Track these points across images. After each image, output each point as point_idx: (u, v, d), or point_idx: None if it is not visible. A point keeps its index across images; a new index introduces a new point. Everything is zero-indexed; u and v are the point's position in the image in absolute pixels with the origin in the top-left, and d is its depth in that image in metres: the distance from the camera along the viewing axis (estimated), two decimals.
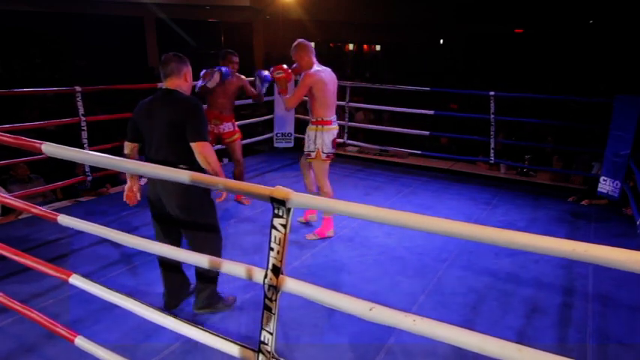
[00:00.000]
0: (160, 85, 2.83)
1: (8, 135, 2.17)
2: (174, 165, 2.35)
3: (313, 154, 3.77)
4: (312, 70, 3.63)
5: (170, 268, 2.77)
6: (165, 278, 2.80)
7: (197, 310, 2.78)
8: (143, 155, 2.73)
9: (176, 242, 2.70)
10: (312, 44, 3.81)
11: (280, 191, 1.47)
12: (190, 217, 2.60)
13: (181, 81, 2.61)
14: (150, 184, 2.69)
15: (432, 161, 6.71)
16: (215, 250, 2.65)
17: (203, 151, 2.47)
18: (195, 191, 2.50)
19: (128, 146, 2.72)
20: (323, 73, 3.66)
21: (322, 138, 3.72)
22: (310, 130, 3.79)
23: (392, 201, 5.04)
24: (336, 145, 3.84)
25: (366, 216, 1.40)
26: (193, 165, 2.50)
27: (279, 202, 1.47)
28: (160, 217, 2.69)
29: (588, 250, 1.11)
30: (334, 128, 3.78)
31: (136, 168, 2.12)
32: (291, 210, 1.47)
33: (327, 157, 3.77)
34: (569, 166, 6.18)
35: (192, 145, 2.48)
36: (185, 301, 2.88)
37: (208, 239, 2.68)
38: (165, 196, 2.59)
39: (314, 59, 3.68)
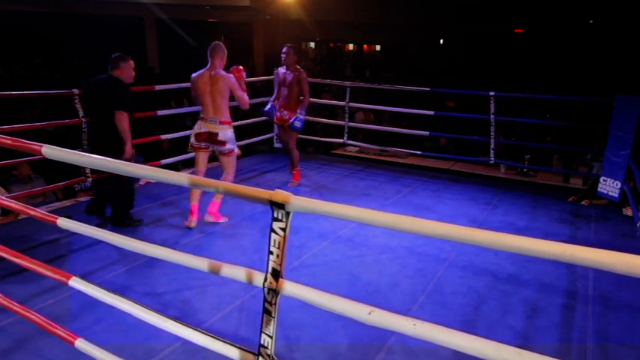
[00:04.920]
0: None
1: (8, 137, 2.17)
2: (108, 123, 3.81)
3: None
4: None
5: (101, 194, 4.25)
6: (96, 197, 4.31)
7: (113, 225, 4.02)
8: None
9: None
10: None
11: (279, 195, 1.47)
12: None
13: (120, 72, 3.90)
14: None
15: (432, 161, 6.71)
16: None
17: (119, 117, 3.77)
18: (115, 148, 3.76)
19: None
20: (198, 76, 4.02)
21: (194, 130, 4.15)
22: None
23: (392, 201, 5.04)
24: (202, 140, 4.07)
25: (365, 219, 1.40)
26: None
27: (278, 206, 1.47)
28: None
29: (583, 254, 1.11)
30: (200, 124, 4.05)
31: (135, 171, 2.11)
32: (291, 214, 1.47)
33: (191, 146, 4.15)
34: (569, 166, 6.19)
35: (115, 112, 3.77)
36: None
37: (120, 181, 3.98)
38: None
39: (210, 60, 4.04)
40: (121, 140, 3.86)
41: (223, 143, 4.06)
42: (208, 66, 4.03)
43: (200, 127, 4.05)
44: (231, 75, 4.09)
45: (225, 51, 4.10)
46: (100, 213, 4.23)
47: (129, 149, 3.88)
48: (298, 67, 5.20)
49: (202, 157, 4.18)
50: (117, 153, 3.73)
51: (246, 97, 4.16)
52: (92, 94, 4.01)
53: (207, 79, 3.99)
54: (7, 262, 2.39)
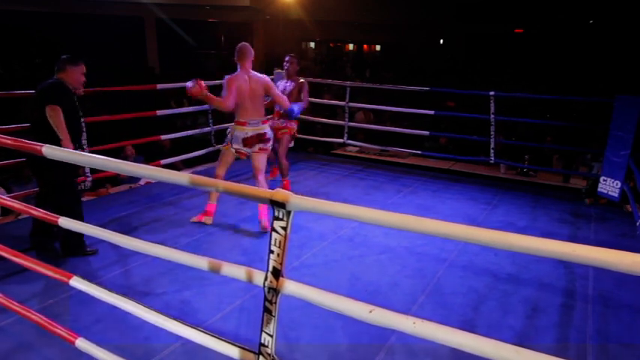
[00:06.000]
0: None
1: (9, 137, 2.17)
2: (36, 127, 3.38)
3: (224, 144, 4.19)
4: (233, 74, 3.99)
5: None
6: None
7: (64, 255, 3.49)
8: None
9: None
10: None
11: (280, 194, 1.47)
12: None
13: (65, 75, 3.47)
14: None
15: (432, 161, 6.72)
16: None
17: (49, 112, 3.25)
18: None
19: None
20: (239, 79, 3.95)
21: (232, 134, 4.10)
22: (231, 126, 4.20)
23: (392, 201, 5.04)
24: (253, 145, 4.07)
25: (365, 218, 1.40)
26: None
27: (279, 205, 1.47)
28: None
29: (585, 253, 1.11)
30: (248, 129, 4.04)
31: (134, 170, 2.12)
32: (292, 213, 1.48)
33: (237, 151, 4.11)
34: (569, 166, 6.20)
35: (46, 107, 3.26)
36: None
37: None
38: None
39: (240, 63, 4.01)
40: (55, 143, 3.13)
41: (269, 140, 4.17)
42: (240, 69, 3.99)
43: (245, 132, 4.03)
44: (264, 75, 4.13)
45: (253, 51, 4.09)
46: (47, 245, 3.55)
47: (67, 145, 3.27)
48: (299, 77, 5.13)
49: (231, 160, 4.18)
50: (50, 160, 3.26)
51: (283, 96, 4.38)
52: (32, 99, 3.51)
53: (247, 83, 3.97)
54: (7, 261, 2.40)
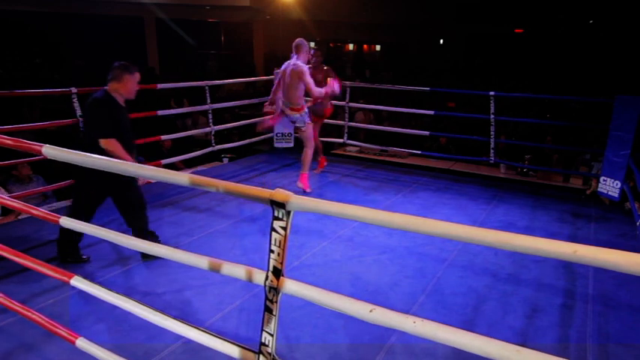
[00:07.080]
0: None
1: (9, 137, 2.17)
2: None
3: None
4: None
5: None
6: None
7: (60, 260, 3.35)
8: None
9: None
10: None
11: (280, 194, 1.47)
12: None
13: (121, 86, 3.22)
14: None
15: (432, 161, 6.72)
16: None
17: (104, 145, 3.07)
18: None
19: None
20: (284, 66, 4.93)
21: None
22: None
23: (392, 201, 5.04)
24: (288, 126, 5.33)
25: (364, 218, 1.41)
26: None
27: (278, 205, 1.47)
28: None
29: (586, 253, 1.11)
30: (282, 107, 5.05)
31: (134, 170, 2.12)
32: (291, 213, 1.48)
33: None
34: (569, 166, 6.20)
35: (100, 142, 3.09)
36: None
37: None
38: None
39: (293, 54, 4.91)
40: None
41: (294, 122, 5.13)
42: (292, 59, 4.87)
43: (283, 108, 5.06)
44: (303, 66, 4.82)
45: (306, 46, 4.91)
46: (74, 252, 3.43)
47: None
48: (325, 66, 5.69)
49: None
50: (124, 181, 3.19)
51: (314, 88, 4.86)
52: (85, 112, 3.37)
53: (282, 72, 4.94)
54: (7, 261, 2.40)
